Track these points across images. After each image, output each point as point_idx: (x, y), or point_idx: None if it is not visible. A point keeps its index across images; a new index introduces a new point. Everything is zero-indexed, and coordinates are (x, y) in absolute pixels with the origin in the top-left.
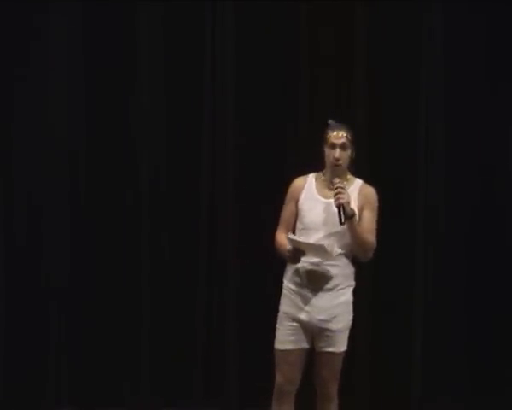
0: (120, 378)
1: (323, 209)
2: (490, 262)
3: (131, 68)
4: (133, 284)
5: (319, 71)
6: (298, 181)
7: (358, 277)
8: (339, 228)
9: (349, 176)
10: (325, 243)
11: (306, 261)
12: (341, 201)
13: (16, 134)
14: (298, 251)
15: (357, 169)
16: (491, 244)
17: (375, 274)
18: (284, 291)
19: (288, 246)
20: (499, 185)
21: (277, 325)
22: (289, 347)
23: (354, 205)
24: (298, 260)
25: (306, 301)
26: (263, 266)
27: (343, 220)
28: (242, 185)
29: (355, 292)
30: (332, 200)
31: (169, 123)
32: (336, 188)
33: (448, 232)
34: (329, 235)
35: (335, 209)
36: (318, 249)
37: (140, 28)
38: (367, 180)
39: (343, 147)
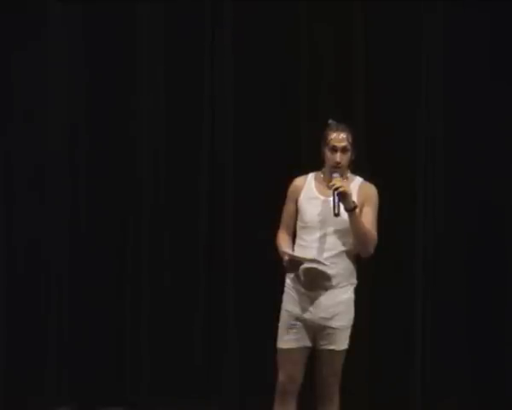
0: (121, 377)
1: (323, 207)
2: (491, 265)
3: (132, 68)
4: (133, 282)
5: (319, 71)
6: (297, 181)
7: (359, 277)
8: (339, 226)
9: (349, 175)
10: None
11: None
12: (341, 189)
13: (16, 134)
14: (294, 262)
15: (357, 169)
16: (491, 245)
17: (376, 274)
18: (287, 290)
19: (285, 257)
20: (500, 186)
21: (280, 324)
22: (292, 345)
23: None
24: (295, 271)
25: (309, 300)
26: (262, 265)
27: (337, 211)
28: (242, 185)
29: (356, 291)
30: (331, 198)
31: (169, 123)
32: (335, 181)
33: (447, 232)
34: (330, 233)
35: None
36: (314, 262)
37: (140, 27)
38: (366, 179)
39: (344, 150)
